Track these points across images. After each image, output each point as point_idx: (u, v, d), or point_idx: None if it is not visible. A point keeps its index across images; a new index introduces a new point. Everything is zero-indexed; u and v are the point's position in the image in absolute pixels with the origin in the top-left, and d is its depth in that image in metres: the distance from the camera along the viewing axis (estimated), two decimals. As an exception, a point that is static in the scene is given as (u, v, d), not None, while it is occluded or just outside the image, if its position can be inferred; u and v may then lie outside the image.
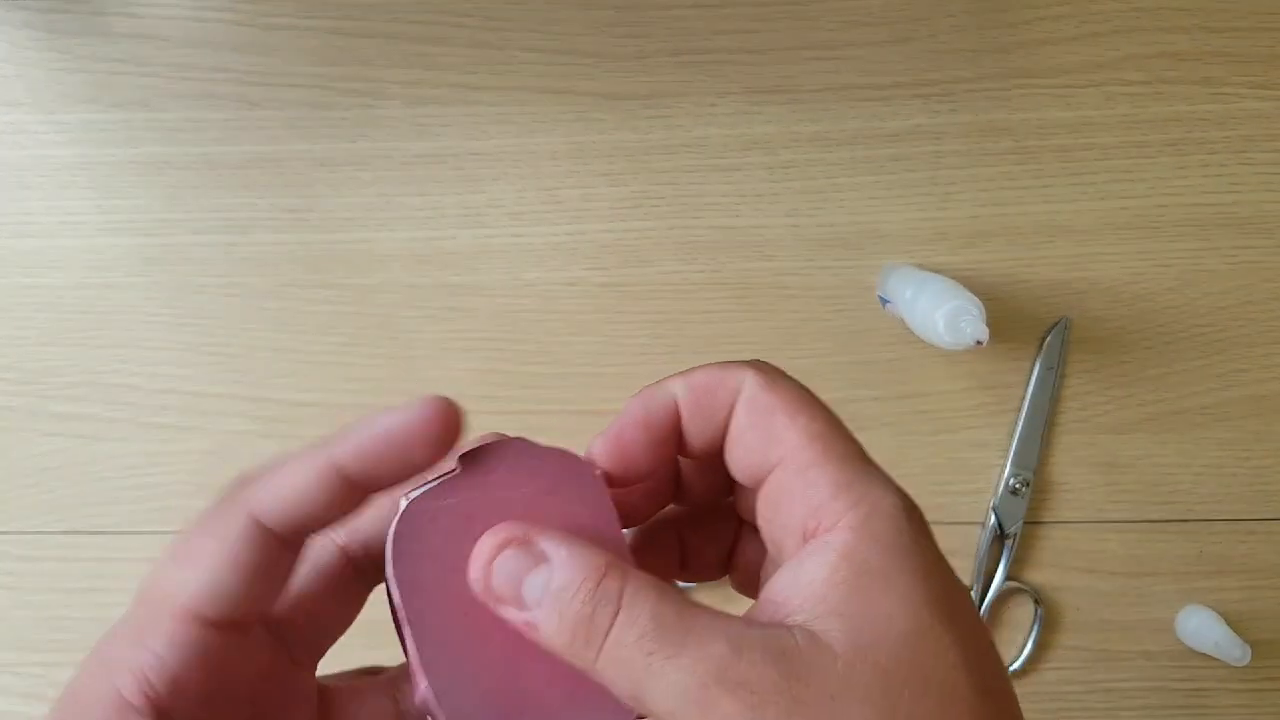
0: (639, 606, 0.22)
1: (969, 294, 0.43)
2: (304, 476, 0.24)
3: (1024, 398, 0.53)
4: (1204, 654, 0.53)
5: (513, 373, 0.53)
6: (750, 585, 0.29)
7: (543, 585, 0.23)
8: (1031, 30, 0.51)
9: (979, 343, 0.41)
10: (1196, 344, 0.53)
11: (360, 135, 0.52)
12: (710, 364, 0.26)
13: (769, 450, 0.25)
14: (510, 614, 0.23)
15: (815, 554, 0.23)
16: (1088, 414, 0.53)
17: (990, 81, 0.51)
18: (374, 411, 0.24)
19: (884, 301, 0.51)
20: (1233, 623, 0.53)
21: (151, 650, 0.23)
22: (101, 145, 0.52)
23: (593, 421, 0.53)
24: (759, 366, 0.26)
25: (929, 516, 0.50)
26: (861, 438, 0.56)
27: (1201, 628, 0.52)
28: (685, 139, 0.52)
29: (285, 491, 0.24)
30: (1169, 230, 0.52)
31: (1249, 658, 0.51)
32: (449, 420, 0.24)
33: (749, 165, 0.52)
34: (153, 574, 0.24)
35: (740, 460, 0.25)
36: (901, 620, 0.22)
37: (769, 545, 0.26)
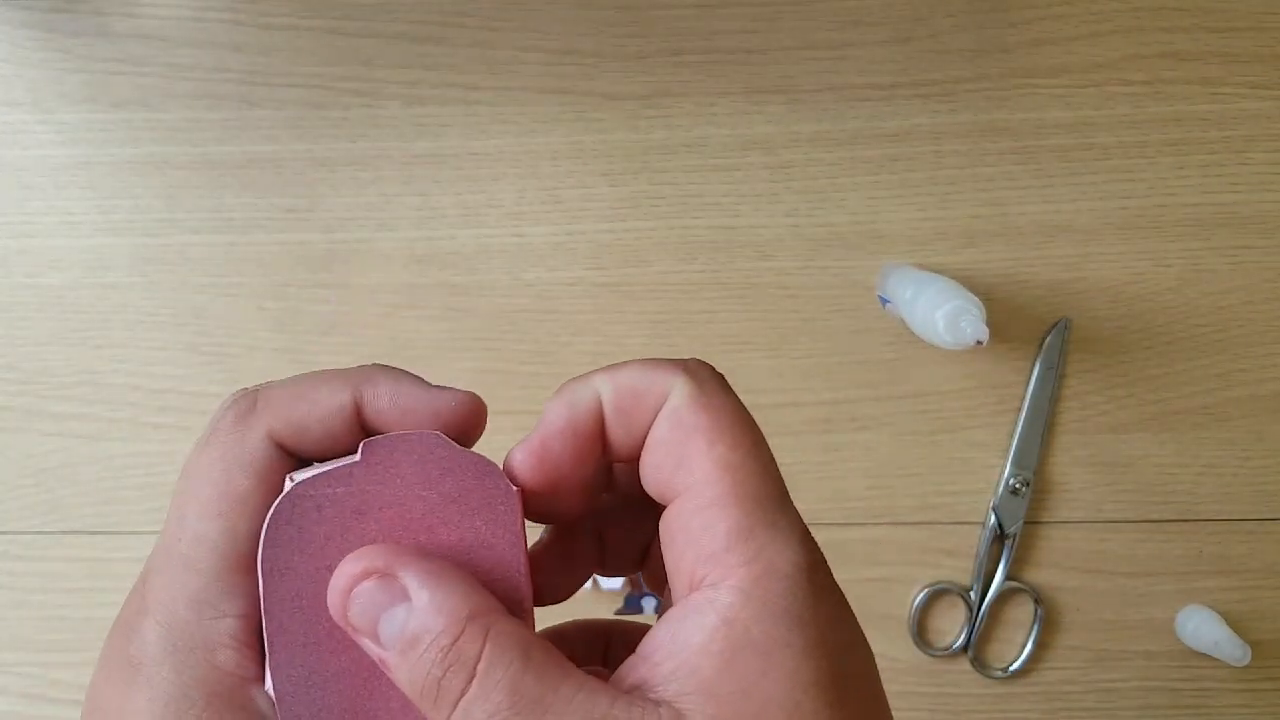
0: (496, 675, 0.20)
1: (969, 294, 0.43)
2: (324, 407, 0.23)
3: (1024, 398, 0.53)
4: (1204, 654, 0.53)
5: (512, 373, 0.53)
6: (660, 586, 0.27)
7: (399, 627, 0.21)
8: (1031, 30, 0.51)
9: (979, 342, 0.41)
10: (1196, 344, 0.53)
11: (360, 135, 0.52)
12: (641, 361, 0.24)
13: (677, 474, 0.22)
14: (367, 646, 0.22)
15: (695, 613, 0.21)
16: (1088, 414, 0.53)
17: (990, 81, 0.51)
18: (407, 374, 0.24)
19: (884, 301, 0.51)
20: (1233, 623, 0.53)
21: (233, 614, 0.23)
22: (101, 145, 0.52)
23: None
24: (693, 371, 0.23)
25: (929, 516, 0.50)
26: (861, 438, 0.56)
27: (1201, 628, 0.52)
28: (685, 139, 0.52)
29: (303, 417, 0.23)
30: (1169, 230, 0.52)
31: (1249, 658, 0.51)
32: (478, 422, 0.24)
33: (749, 165, 0.52)
34: (179, 520, 0.23)
35: (650, 476, 0.23)
36: (777, 707, 0.20)
37: (668, 575, 0.23)
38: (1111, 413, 0.53)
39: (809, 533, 0.22)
